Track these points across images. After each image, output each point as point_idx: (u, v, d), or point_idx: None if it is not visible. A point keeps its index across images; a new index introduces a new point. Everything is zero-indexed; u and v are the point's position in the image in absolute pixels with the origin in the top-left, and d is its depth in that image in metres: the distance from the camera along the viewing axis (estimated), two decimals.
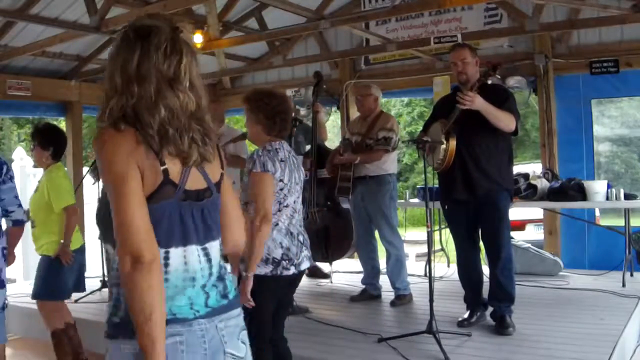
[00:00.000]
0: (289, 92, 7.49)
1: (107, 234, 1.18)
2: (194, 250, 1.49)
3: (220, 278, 1.56)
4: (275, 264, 2.81)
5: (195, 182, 1.49)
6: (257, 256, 2.76)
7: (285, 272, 2.83)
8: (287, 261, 2.83)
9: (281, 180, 2.83)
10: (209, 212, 1.53)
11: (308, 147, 5.66)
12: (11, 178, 3.17)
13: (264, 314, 2.86)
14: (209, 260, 1.52)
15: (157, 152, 1.40)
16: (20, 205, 3.19)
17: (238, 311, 1.58)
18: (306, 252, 2.97)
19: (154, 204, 1.41)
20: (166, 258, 1.44)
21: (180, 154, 1.44)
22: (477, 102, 3.66)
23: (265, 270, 2.79)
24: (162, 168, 1.42)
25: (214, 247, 1.55)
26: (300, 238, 2.95)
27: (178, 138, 1.42)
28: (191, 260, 1.48)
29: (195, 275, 1.49)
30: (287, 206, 2.88)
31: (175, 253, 1.46)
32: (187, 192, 1.47)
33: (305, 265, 2.95)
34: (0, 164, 3.12)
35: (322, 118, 5.81)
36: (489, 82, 3.73)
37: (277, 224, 2.84)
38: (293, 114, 5.41)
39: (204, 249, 1.51)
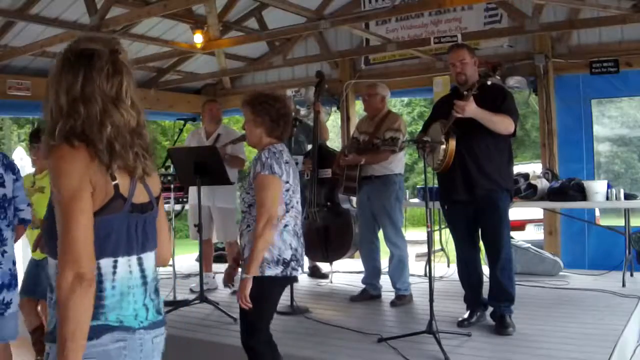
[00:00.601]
0: (289, 92, 7.49)
1: (52, 245, 1.26)
2: (135, 260, 1.60)
3: (157, 292, 1.68)
4: (285, 265, 2.84)
5: (140, 196, 1.60)
6: (258, 259, 2.78)
7: (294, 273, 2.89)
8: (295, 262, 2.88)
9: (287, 182, 2.87)
10: (149, 225, 1.64)
11: (310, 147, 5.66)
12: (20, 177, 3.26)
13: (270, 314, 2.90)
14: (143, 270, 1.63)
15: (108, 166, 1.49)
16: (29, 204, 3.26)
17: (164, 328, 1.71)
18: (303, 252, 3.03)
19: (105, 216, 1.50)
20: (115, 267, 1.54)
21: (127, 168, 1.54)
22: (470, 110, 3.65)
23: (277, 271, 2.83)
24: (113, 183, 1.52)
25: (150, 257, 1.66)
26: (302, 239, 3.01)
27: (124, 153, 1.53)
28: (134, 270, 1.60)
29: (137, 282, 1.60)
30: (293, 207, 2.92)
31: (122, 262, 1.56)
32: (134, 205, 1.58)
33: (305, 264, 3.03)
34: (12, 163, 3.21)
35: (323, 118, 5.81)
36: (489, 82, 3.72)
37: (286, 226, 2.87)
38: (293, 114, 5.45)
39: (139, 259, 1.62)
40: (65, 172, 1.45)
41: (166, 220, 1.80)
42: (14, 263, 3.05)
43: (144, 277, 1.62)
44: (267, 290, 2.84)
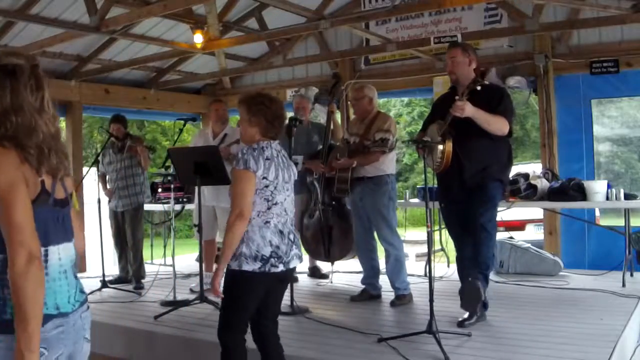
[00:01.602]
0: (289, 92, 7.50)
1: None
2: (62, 249, 1.77)
3: (76, 275, 1.86)
4: (263, 261, 2.83)
5: (59, 192, 1.77)
6: (228, 252, 2.82)
7: (274, 269, 2.86)
8: (275, 259, 2.86)
9: (265, 178, 2.85)
10: (67, 218, 1.82)
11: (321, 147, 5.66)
12: None
13: (245, 310, 2.90)
14: (65, 258, 1.79)
15: (37, 169, 1.66)
16: None
17: (87, 304, 1.89)
18: (296, 251, 3.00)
19: (36, 208, 1.65)
20: (46, 255, 1.70)
21: (51, 171, 1.71)
22: (467, 111, 3.67)
23: (254, 266, 2.82)
24: (39, 179, 1.68)
25: (70, 247, 1.83)
26: (291, 237, 2.98)
27: (50, 157, 1.70)
28: (63, 256, 1.77)
29: (63, 269, 1.77)
30: (276, 204, 2.90)
31: (52, 251, 1.72)
32: (55, 200, 1.75)
33: (294, 263, 2.98)
34: None
35: (337, 118, 5.80)
36: (478, 88, 3.72)
37: (267, 222, 2.86)
38: (293, 114, 5.45)
39: (62, 248, 1.78)
40: (0, 169, 1.59)
41: (75, 212, 1.99)
42: None
43: (66, 264, 1.79)
44: (243, 285, 2.84)
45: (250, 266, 2.82)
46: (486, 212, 3.89)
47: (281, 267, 2.89)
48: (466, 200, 3.93)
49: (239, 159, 2.85)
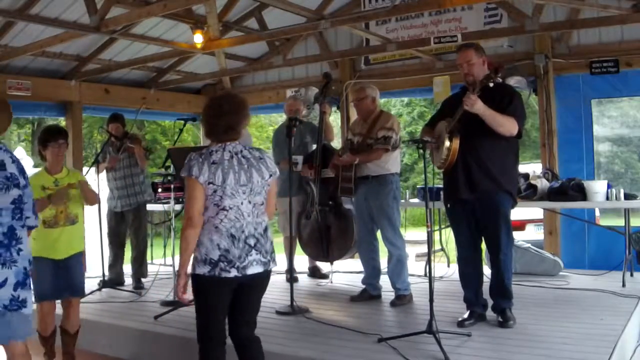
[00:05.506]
0: (289, 92, 7.50)
1: None
2: None
3: None
4: (212, 265, 2.83)
5: None
6: (183, 258, 2.85)
7: (225, 274, 2.83)
8: (225, 263, 2.82)
9: (211, 183, 2.82)
10: None
11: (314, 146, 5.65)
12: (29, 184, 3.16)
13: (206, 314, 2.91)
14: None
15: None
16: (34, 212, 3.19)
17: None
18: (258, 257, 2.91)
19: None
20: None
21: None
22: (477, 107, 3.67)
23: (204, 270, 2.84)
24: None
25: None
26: (251, 242, 2.89)
27: None
28: None
29: None
30: (225, 209, 2.85)
31: None
32: None
33: (254, 269, 2.89)
34: (24, 169, 3.12)
35: (329, 118, 5.81)
36: (491, 84, 3.71)
37: (216, 227, 2.85)
38: (294, 114, 5.45)
39: None
40: None
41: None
42: (29, 262, 3.02)
43: None
44: (198, 288, 2.88)
45: (200, 269, 2.84)
46: (502, 235, 3.91)
47: (234, 272, 2.83)
48: (474, 206, 3.94)
49: (185, 165, 2.86)
